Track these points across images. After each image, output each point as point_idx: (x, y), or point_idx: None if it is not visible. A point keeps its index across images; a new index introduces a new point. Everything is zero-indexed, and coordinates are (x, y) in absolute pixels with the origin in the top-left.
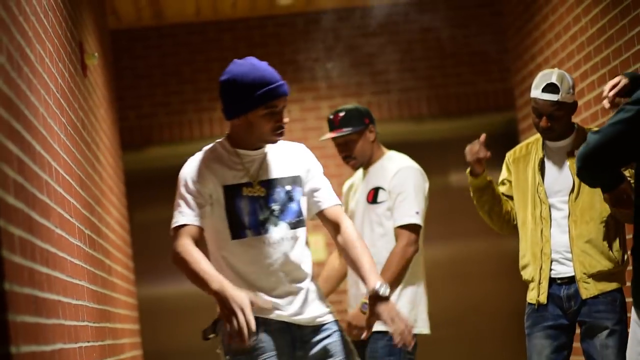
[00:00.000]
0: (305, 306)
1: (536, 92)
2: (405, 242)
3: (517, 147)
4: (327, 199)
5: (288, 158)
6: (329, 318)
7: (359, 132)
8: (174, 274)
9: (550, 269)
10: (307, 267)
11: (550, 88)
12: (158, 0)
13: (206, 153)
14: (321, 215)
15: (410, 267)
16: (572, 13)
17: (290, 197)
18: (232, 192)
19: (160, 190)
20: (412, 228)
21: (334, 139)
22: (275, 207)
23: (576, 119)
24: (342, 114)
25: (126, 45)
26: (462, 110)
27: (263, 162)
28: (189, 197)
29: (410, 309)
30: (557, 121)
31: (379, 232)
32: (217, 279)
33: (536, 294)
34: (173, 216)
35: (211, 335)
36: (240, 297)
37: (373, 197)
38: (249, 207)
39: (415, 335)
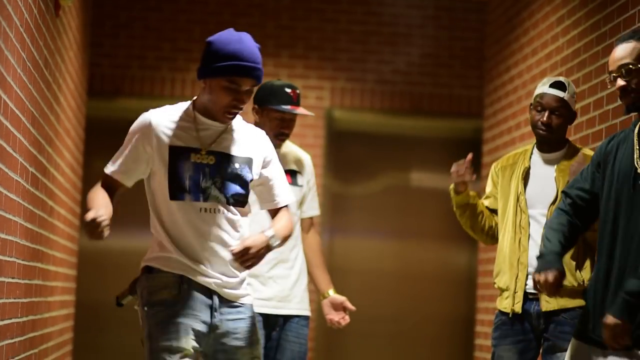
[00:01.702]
0: (230, 281)
1: (543, 88)
2: (318, 231)
3: (504, 156)
4: (280, 197)
5: (247, 139)
6: (247, 301)
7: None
8: (122, 226)
9: (526, 279)
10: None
11: (558, 85)
12: None
13: (167, 110)
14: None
15: (304, 255)
16: (552, 31)
17: (237, 175)
18: (177, 154)
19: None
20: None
21: (285, 114)
22: (218, 179)
23: None
24: (298, 92)
25: None
26: (433, 111)
27: (221, 135)
28: (127, 149)
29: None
30: (557, 121)
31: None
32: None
33: (511, 303)
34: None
35: (125, 300)
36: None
37: (291, 179)
38: (193, 172)
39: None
